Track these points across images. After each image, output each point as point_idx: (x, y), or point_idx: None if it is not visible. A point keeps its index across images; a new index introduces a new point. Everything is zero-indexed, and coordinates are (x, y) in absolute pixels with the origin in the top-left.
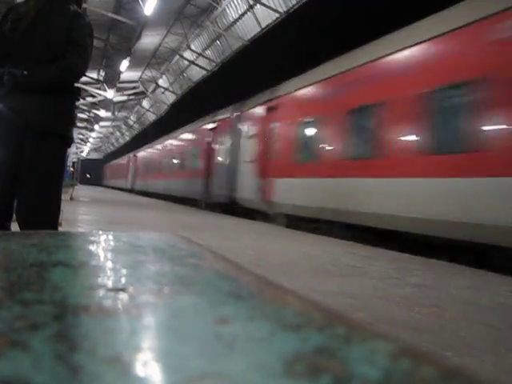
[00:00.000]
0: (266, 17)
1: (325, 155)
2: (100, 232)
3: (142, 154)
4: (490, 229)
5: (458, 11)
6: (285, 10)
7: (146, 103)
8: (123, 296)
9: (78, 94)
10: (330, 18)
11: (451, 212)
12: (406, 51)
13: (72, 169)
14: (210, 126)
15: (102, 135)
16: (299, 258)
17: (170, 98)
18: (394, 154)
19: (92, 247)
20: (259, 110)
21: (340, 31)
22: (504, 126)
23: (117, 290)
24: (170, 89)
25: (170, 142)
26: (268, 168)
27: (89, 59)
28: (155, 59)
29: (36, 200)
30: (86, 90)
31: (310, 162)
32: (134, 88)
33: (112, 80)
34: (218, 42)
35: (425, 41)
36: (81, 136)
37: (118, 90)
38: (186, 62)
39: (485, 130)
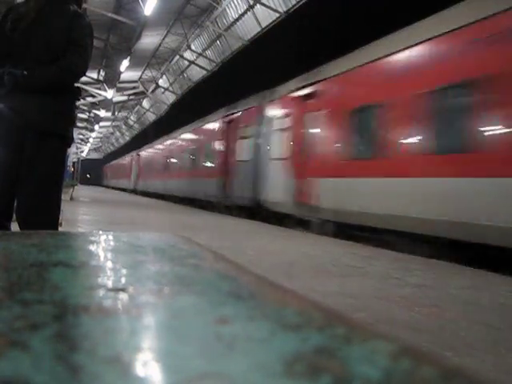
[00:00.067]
0: (266, 17)
1: (398, 149)
2: (100, 232)
3: (147, 152)
4: None
5: None
6: (285, 10)
7: (146, 103)
8: (123, 296)
9: (78, 93)
10: (330, 18)
11: None
12: None
13: (72, 169)
14: (228, 119)
15: (101, 135)
16: (299, 258)
17: (170, 98)
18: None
19: (92, 247)
20: (294, 98)
21: (340, 31)
22: None
23: (117, 289)
24: (170, 89)
25: (180, 139)
26: (307, 166)
27: (89, 59)
28: (155, 59)
29: (36, 200)
30: (86, 90)
31: (374, 158)
32: (134, 88)
33: (112, 80)
34: (218, 42)
35: None
36: (81, 136)
37: (118, 90)
38: (186, 62)
39: None
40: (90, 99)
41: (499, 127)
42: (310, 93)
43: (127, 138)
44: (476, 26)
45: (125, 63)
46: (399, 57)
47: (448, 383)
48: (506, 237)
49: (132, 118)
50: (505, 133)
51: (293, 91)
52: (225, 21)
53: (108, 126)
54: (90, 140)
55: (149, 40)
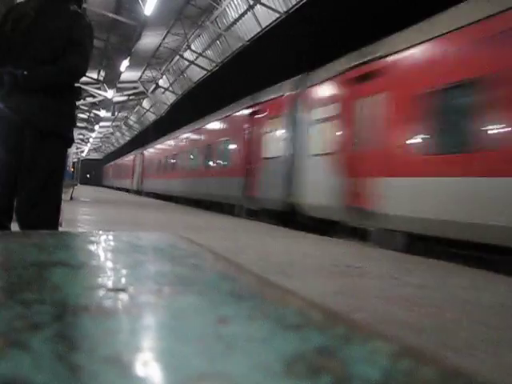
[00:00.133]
0: (266, 17)
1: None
2: (100, 232)
3: (155, 149)
4: None
5: None
6: (285, 10)
7: (146, 103)
8: (123, 296)
9: (78, 93)
10: (330, 18)
11: None
12: None
13: (72, 169)
14: (252, 109)
15: (101, 135)
16: (299, 258)
17: (170, 98)
18: None
19: (92, 247)
20: (345, 81)
21: (340, 31)
22: None
23: (117, 289)
24: (170, 89)
25: (193, 134)
26: (364, 162)
27: (89, 59)
28: (155, 59)
29: (36, 200)
30: (86, 90)
31: (477, 150)
32: (134, 88)
33: (112, 80)
34: (218, 42)
35: None
36: (81, 136)
37: (118, 90)
38: (186, 62)
39: None
40: (89, 99)
41: None
42: (370, 72)
43: (127, 139)
44: None
45: (125, 63)
46: None
47: (448, 383)
48: None
49: (132, 118)
50: None
51: (342, 72)
52: (225, 21)
53: (108, 126)
54: (90, 140)
55: (149, 40)
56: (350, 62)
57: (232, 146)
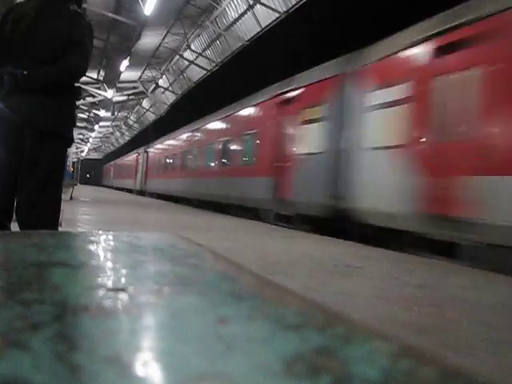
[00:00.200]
0: (265, 17)
1: None
2: (100, 232)
3: (161, 146)
4: None
5: None
6: (284, 9)
7: (145, 103)
8: (123, 296)
9: (78, 93)
10: (329, 18)
11: None
12: None
13: (72, 169)
14: (282, 98)
15: (101, 135)
16: (299, 258)
17: (170, 98)
18: None
19: (92, 247)
20: (416, 56)
21: (340, 31)
22: None
23: (117, 289)
24: (170, 89)
25: (208, 129)
26: (457, 156)
27: (89, 59)
28: (155, 59)
29: (36, 200)
30: (85, 90)
31: None
32: (134, 88)
33: (112, 80)
34: (217, 42)
35: None
36: (81, 136)
37: (118, 90)
38: (186, 62)
39: None
40: (89, 99)
41: None
42: (452, 42)
43: (127, 138)
44: None
45: (125, 63)
46: None
47: (448, 383)
48: None
49: (132, 117)
50: None
51: (410, 46)
52: (225, 21)
53: (108, 126)
54: (90, 140)
55: (149, 40)
56: (439, 25)
57: (257, 142)
